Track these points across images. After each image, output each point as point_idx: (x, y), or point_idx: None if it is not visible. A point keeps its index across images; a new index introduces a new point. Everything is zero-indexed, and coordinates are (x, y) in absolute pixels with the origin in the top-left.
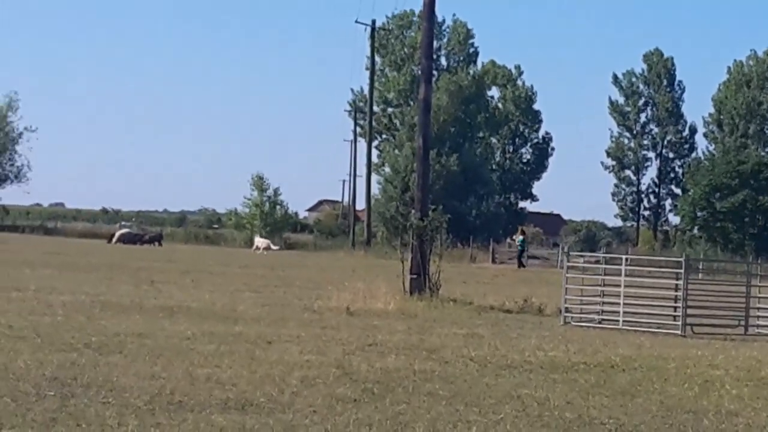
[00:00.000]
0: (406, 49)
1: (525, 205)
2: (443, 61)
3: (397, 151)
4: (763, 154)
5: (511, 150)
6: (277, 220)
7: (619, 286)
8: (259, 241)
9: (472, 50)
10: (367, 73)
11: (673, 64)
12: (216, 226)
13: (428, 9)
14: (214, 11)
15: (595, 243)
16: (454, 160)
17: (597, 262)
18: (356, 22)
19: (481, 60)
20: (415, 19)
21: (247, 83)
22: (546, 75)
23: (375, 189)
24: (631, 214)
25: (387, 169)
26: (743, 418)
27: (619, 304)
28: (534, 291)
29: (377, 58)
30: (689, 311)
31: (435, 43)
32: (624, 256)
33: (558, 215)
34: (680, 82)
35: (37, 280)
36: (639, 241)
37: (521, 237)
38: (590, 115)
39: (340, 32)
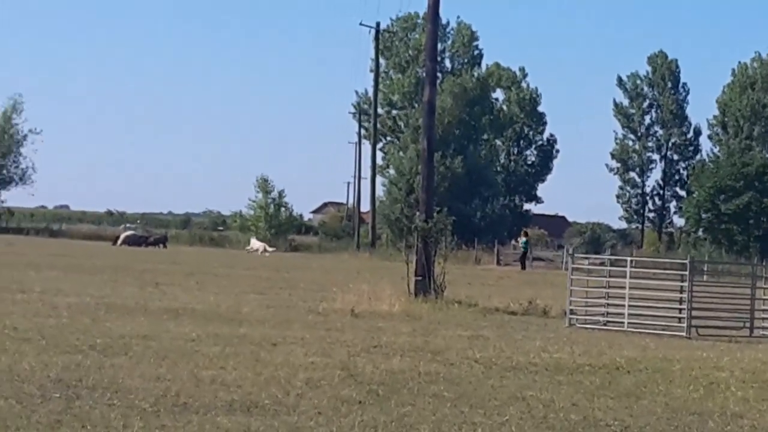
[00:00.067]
0: (410, 51)
1: (530, 207)
2: (448, 64)
3: (401, 153)
4: (767, 155)
5: (515, 152)
6: (282, 222)
7: (624, 288)
8: (255, 243)
9: (476, 52)
10: (372, 75)
11: (677, 66)
12: (221, 228)
13: (432, 11)
14: (219, 14)
15: (599, 245)
16: (458, 162)
17: (602, 264)
18: (361, 24)
19: (486, 62)
20: (419, 21)
21: (251, 85)
22: (550, 77)
23: (380, 191)
24: (635, 216)
25: (391, 171)
26: (748, 420)
27: (624, 306)
28: (539, 293)
29: (381, 60)
30: (694, 313)
31: (439, 45)
32: (629, 258)
33: (563, 217)
34: (685, 84)
35: (42, 282)
36: (644, 243)
37: (524, 239)
38: (594, 117)
39: (344, 34)
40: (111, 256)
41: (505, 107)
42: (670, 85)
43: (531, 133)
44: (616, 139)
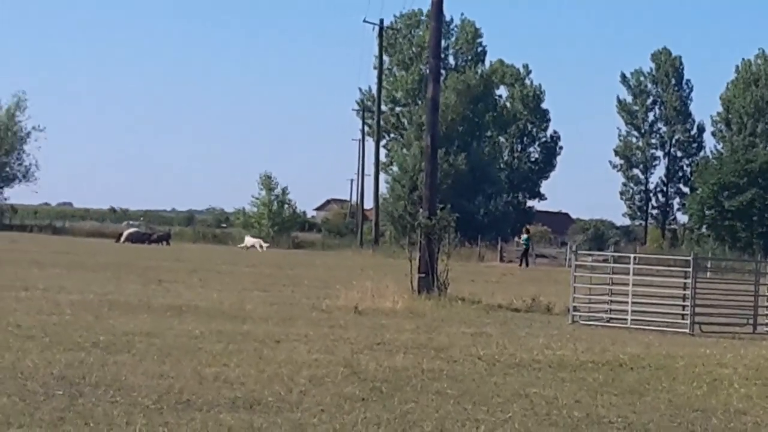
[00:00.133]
0: (414, 49)
1: (533, 203)
2: (451, 61)
3: (405, 150)
4: None
5: (519, 149)
6: (285, 219)
7: (627, 284)
8: (249, 240)
9: (480, 49)
10: (375, 73)
11: (681, 63)
12: (224, 225)
13: (436, 8)
14: (222, 12)
15: (603, 242)
16: (462, 159)
17: (605, 260)
18: (364, 21)
19: (489, 59)
20: (423, 18)
21: (254, 82)
22: (554, 74)
23: (383, 188)
24: (639, 213)
25: (395, 168)
26: (751, 416)
27: (627, 302)
28: (542, 290)
29: (385, 58)
30: (697, 310)
31: (443, 42)
32: (632, 255)
33: (566, 214)
34: (688, 80)
35: (46, 279)
36: (647, 239)
37: (525, 236)
38: (598, 114)
39: (348, 32)
40: (114, 253)
41: (508, 104)
42: (673, 81)
43: (534, 129)
44: (619, 135)
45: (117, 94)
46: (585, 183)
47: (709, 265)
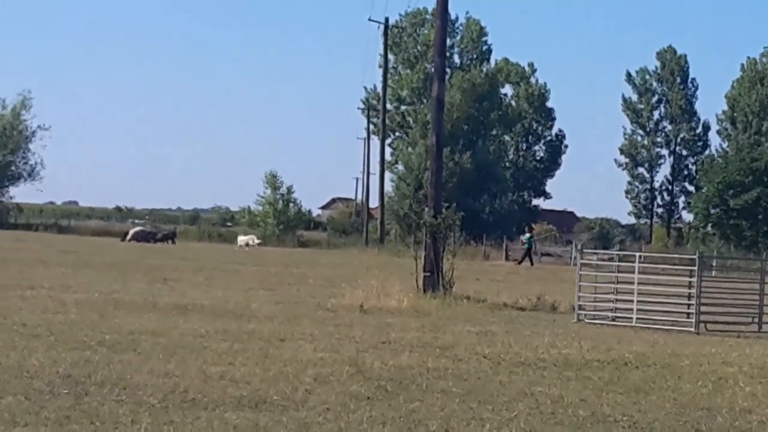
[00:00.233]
0: (419, 47)
1: (538, 202)
2: (456, 59)
3: (410, 149)
4: None
5: (524, 147)
6: (291, 217)
7: (632, 283)
8: (241, 238)
9: (485, 48)
10: (381, 71)
11: (686, 62)
12: (229, 224)
13: (441, 7)
14: (227, 10)
15: (608, 240)
16: (467, 157)
17: (610, 259)
18: (369, 20)
19: (494, 58)
20: (428, 17)
21: (260, 81)
22: (559, 72)
23: (388, 187)
24: (644, 212)
25: (400, 167)
26: (757, 415)
27: (632, 301)
28: (547, 288)
29: (390, 56)
30: (703, 308)
31: (448, 40)
32: (637, 254)
33: (571, 212)
34: (693, 79)
35: (51, 278)
36: (652, 238)
37: (528, 235)
38: (603, 113)
39: (353, 30)
40: (119, 252)
41: (513, 103)
42: (678, 80)
43: (540, 128)
44: (624, 134)
45: (122, 92)
46: (590, 181)
47: (714, 264)
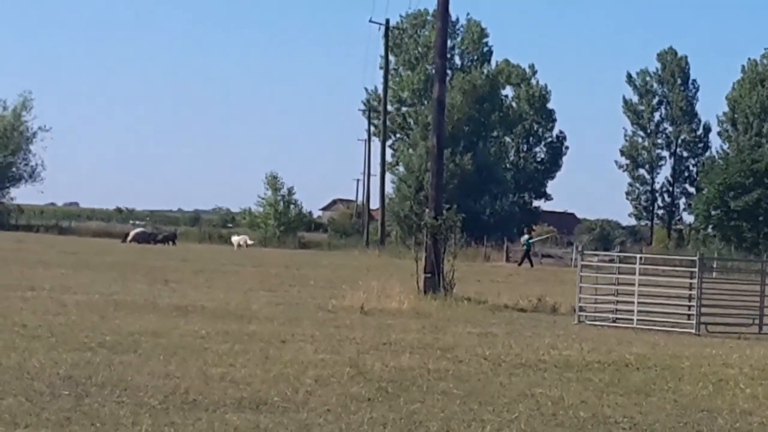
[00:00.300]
0: (420, 49)
1: (539, 204)
2: (457, 61)
3: (411, 150)
4: None
5: (525, 149)
6: (291, 219)
7: (633, 284)
8: (235, 239)
9: (486, 49)
10: (381, 72)
11: (687, 63)
12: (230, 225)
13: (442, 8)
14: (228, 11)
15: (609, 242)
16: (468, 159)
17: (611, 260)
18: (370, 21)
19: (495, 59)
20: (429, 18)
21: (260, 82)
22: (560, 74)
23: (389, 188)
24: (645, 213)
25: (401, 169)
26: (757, 417)
27: (633, 302)
28: (548, 290)
29: (391, 58)
30: (703, 310)
31: (449, 42)
32: (638, 255)
33: (572, 214)
34: (694, 80)
35: (52, 279)
36: (653, 240)
37: (527, 237)
38: (604, 114)
39: (354, 31)
40: (120, 253)
41: (514, 104)
42: (679, 81)
43: (540, 129)
44: (625, 136)
45: (123, 94)
46: (591, 183)
47: (715, 266)
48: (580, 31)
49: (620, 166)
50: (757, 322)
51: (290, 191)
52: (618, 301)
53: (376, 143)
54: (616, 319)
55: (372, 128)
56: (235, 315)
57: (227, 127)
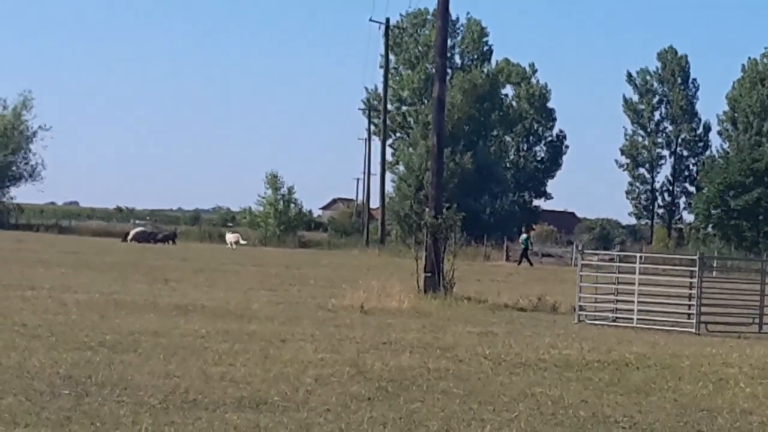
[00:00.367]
0: (420, 48)
1: (539, 203)
2: (457, 60)
3: (411, 150)
4: None
5: (525, 148)
6: (291, 218)
7: (633, 284)
8: (230, 237)
9: (486, 48)
10: (381, 72)
11: (687, 62)
12: (230, 224)
13: (442, 7)
14: (228, 10)
15: (609, 241)
16: (468, 158)
17: (611, 260)
18: (370, 20)
19: (495, 58)
20: (429, 17)
21: (260, 81)
22: (560, 73)
23: (389, 187)
24: (645, 212)
25: (401, 168)
26: (757, 416)
27: (633, 302)
28: (548, 289)
29: (391, 57)
30: (703, 309)
31: (449, 41)
32: (638, 254)
33: (572, 213)
34: (694, 80)
35: (52, 278)
36: (653, 239)
37: (525, 236)
38: (604, 113)
39: (354, 30)
40: (120, 252)
41: (514, 103)
42: (679, 81)
43: (540, 129)
44: (625, 135)
45: (123, 93)
46: (591, 182)
47: (715, 265)
48: (581, 30)
49: (620, 165)
50: (757, 321)
51: (290, 190)
52: (618, 301)
53: (376, 142)
54: (616, 318)
55: (372, 127)
56: (235, 314)
57: (227, 126)
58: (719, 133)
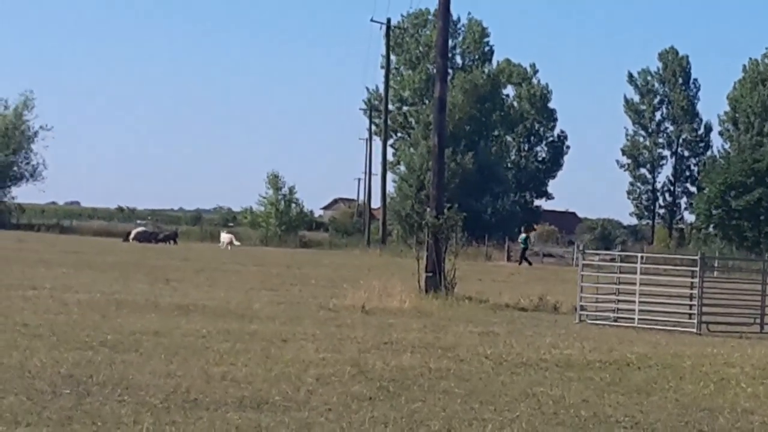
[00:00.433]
0: (421, 48)
1: (540, 203)
2: (458, 60)
3: (412, 150)
4: None
5: (526, 148)
6: (292, 218)
7: (634, 284)
8: (224, 237)
9: (487, 49)
10: (383, 72)
11: (688, 63)
12: (231, 224)
13: (443, 7)
14: (230, 10)
15: (610, 241)
16: (469, 158)
17: (612, 260)
18: (372, 20)
19: (496, 58)
20: (430, 17)
21: (262, 81)
22: (561, 73)
23: (390, 187)
24: (646, 213)
25: (402, 168)
26: (759, 416)
27: (634, 302)
28: (549, 289)
29: (392, 57)
30: (705, 309)
31: (450, 41)
32: (639, 254)
33: (573, 213)
34: (695, 80)
35: (53, 278)
36: (654, 239)
37: (524, 236)
38: (605, 114)
39: (355, 31)
40: (121, 252)
41: (515, 103)
42: (680, 81)
43: (542, 129)
44: (626, 135)
45: (124, 93)
46: (592, 182)
47: (716, 265)
48: (582, 30)
49: (621, 166)
50: (758, 321)
51: (291, 190)
52: (619, 301)
53: (377, 142)
54: (618, 318)
55: (373, 127)
56: (237, 314)
57: (228, 126)
58: (720, 133)
